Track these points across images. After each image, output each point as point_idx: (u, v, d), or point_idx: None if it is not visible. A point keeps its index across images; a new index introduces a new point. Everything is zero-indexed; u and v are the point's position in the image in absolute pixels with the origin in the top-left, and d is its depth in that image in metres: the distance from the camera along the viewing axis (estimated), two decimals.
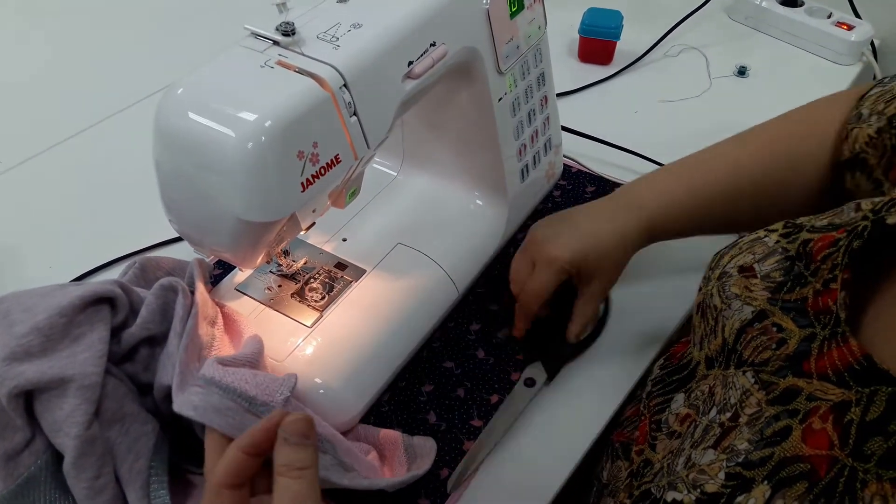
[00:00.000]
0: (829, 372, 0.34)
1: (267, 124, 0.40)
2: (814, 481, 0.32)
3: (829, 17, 0.96)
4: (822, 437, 0.33)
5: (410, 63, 0.49)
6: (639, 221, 0.58)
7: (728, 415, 0.38)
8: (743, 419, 0.37)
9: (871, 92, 0.55)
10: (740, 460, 0.35)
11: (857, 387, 0.33)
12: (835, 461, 0.32)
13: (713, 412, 0.40)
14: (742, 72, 0.94)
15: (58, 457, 0.44)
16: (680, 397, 0.45)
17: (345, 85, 0.44)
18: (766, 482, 0.33)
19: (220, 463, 0.35)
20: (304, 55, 0.44)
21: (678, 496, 0.37)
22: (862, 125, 0.53)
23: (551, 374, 0.60)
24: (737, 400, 0.38)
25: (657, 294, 0.67)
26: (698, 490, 0.36)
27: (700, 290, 0.47)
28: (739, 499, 0.34)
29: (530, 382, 0.60)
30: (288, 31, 0.44)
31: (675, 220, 0.59)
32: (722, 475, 0.35)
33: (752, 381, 0.38)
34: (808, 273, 0.40)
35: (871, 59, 0.95)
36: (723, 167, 0.58)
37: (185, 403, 0.42)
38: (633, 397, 0.59)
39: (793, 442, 0.34)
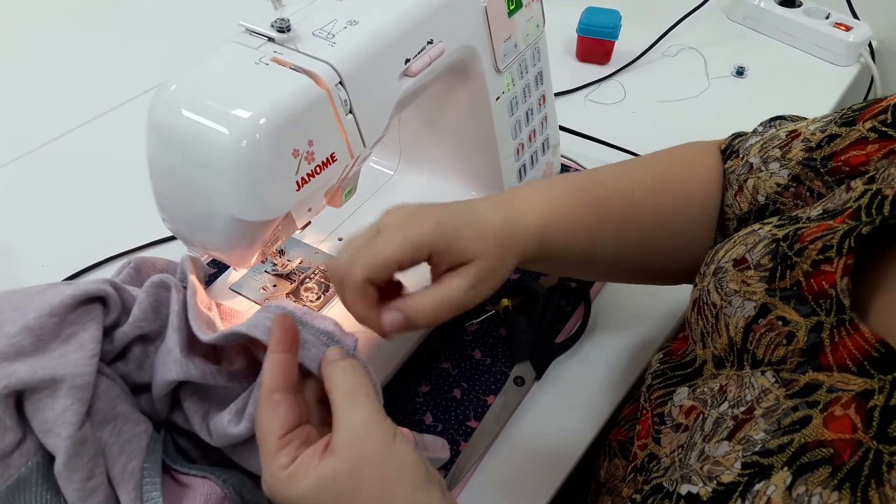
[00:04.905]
0: (848, 363, 0.34)
1: (261, 122, 0.40)
2: (837, 465, 0.31)
3: (828, 17, 0.96)
4: (845, 421, 0.32)
5: (407, 61, 0.48)
6: (530, 214, 0.49)
7: (742, 409, 0.37)
8: (758, 412, 0.36)
9: (751, 142, 0.52)
10: (757, 449, 0.34)
11: (879, 375, 0.33)
12: (858, 445, 0.31)
13: (724, 406, 0.39)
14: (740, 72, 0.94)
15: (49, 458, 0.44)
16: (683, 391, 0.44)
17: (341, 82, 0.44)
18: (786, 468, 0.33)
19: (263, 371, 0.39)
20: (299, 52, 0.44)
21: (693, 489, 0.36)
22: (759, 174, 0.50)
23: (539, 372, 0.60)
24: (753, 397, 0.37)
25: (653, 295, 0.67)
26: (714, 481, 0.35)
27: (695, 286, 0.46)
28: (758, 486, 0.33)
29: (520, 381, 0.60)
30: (283, 27, 0.44)
31: (565, 222, 0.50)
32: (738, 465, 0.35)
33: (773, 380, 0.37)
34: (793, 253, 0.39)
35: (869, 60, 0.95)
36: (614, 183, 0.53)
37: (257, 326, 0.43)
38: (629, 398, 0.59)
39: (813, 428, 0.33)
